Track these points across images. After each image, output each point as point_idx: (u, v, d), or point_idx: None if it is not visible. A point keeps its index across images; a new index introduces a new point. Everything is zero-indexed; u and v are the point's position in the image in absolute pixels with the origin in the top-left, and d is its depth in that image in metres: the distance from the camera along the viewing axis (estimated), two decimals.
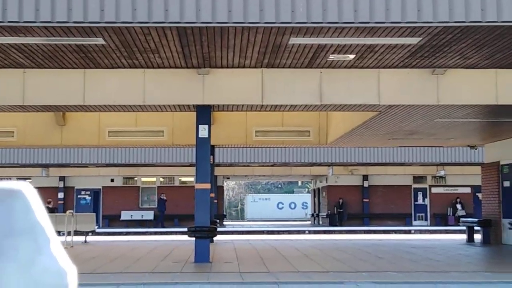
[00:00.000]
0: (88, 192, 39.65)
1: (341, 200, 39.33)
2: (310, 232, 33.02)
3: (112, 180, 39.35)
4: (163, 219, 37.69)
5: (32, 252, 1.60)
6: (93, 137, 18.84)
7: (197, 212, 13.28)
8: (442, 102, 12.64)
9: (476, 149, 22.85)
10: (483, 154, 22.36)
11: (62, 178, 38.96)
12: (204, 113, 13.28)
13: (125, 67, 12.28)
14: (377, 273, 11.31)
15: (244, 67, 12.32)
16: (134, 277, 10.72)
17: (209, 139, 13.29)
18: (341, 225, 37.48)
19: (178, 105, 13.24)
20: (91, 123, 18.70)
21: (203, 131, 13.17)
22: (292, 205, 58.24)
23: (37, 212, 1.65)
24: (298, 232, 33.12)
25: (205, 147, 13.29)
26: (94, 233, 20.92)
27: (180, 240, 20.88)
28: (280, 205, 58.07)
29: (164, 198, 37.84)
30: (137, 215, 39.19)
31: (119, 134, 18.83)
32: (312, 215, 48.11)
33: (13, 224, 1.60)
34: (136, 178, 39.58)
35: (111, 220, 38.92)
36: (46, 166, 33.37)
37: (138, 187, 39.84)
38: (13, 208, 1.60)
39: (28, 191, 1.67)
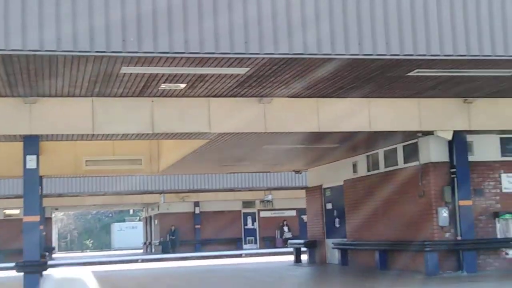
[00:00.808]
0: None
1: (173, 227, 39.34)
2: (143, 260, 32.65)
3: None
4: None
5: None
6: None
7: (26, 246, 12.74)
8: (269, 129, 13.21)
9: (300, 173, 23.99)
10: (307, 178, 23.52)
11: None
12: (31, 143, 12.83)
13: None
14: None
15: (74, 96, 12.11)
16: None
17: (37, 170, 12.85)
18: (174, 252, 37.44)
19: (4, 135, 12.70)
20: None
21: (31, 161, 12.72)
22: None
23: None
24: (131, 261, 32.63)
25: (33, 178, 12.83)
26: None
27: (5, 277, 19.82)
28: None
29: None
30: None
31: None
32: (145, 243, 47.58)
33: None
34: None
35: None
36: None
37: None
38: None
39: (88, 280, 1.61)
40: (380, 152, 17.53)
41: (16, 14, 8.66)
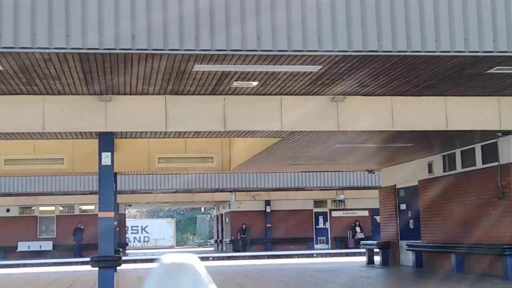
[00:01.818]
0: None
1: (244, 226, 39.48)
2: (213, 258, 32.92)
3: (7, 210, 37.83)
4: (80, 248, 36.22)
5: None
6: None
7: (101, 241, 12.98)
8: (342, 128, 13.01)
9: (373, 173, 23.62)
10: (380, 178, 23.13)
11: None
12: (106, 140, 13.07)
13: (23, 94, 11.92)
14: None
15: (147, 93, 12.25)
16: None
17: (112, 167, 13.08)
18: (244, 251, 37.58)
19: (80, 133, 12.97)
20: None
21: (106, 158, 12.95)
22: None
23: (207, 286, 1.59)
24: (202, 258, 32.95)
25: (108, 175, 13.06)
26: None
27: (81, 271, 20.31)
28: None
29: (82, 227, 36.51)
30: (35, 246, 37.78)
31: (16, 163, 18.19)
32: (216, 241, 47.97)
33: None
34: (33, 208, 38.24)
35: (7, 252, 37.28)
36: None
37: (36, 216, 38.49)
38: (181, 283, 1.55)
39: (197, 264, 1.58)
40: (457, 152, 17.03)
41: (92, 12, 8.78)
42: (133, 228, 59.28)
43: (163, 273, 1.57)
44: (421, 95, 12.78)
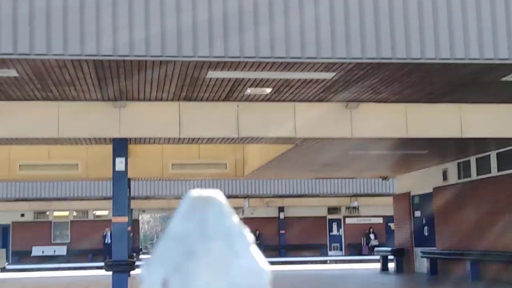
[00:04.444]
0: None
1: (257, 232, 39.47)
2: None
3: (22, 215, 38.04)
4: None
5: (227, 256, 1.59)
6: (3, 170, 18.23)
7: (115, 246, 13.03)
8: (355, 135, 12.98)
9: (387, 180, 23.52)
10: (395, 185, 23.04)
11: None
12: (120, 146, 13.13)
13: (38, 100, 12.01)
14: None
15: (161, 100, 12.29)
16: None
17: (126, 172, 13.13)
18: None
19: (94, 138, 13.04)
20: (1, 156, 18.09)
21: (120, 164, 13.00)
22: None
23: (231, 219, 1.65)
24: None
25: (122, 181, 13.11)
26: (3, 270, 20.11)
27: (95, 276, 20.38)
28: None
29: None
30: (49, 250, 37.95)
31: (31, 168, 18.30)
32: None
33: (207, 230, 1.60)
34: (47, 213, 38.42)
35: (21, 256, 37.49)
36: None
37: (50, 221, 38.67)
38: (207, 215, 1.61)
39: (222, 198, 1.65)
40: (472, 159, 16.93)
41: (106, 19, 8.84)
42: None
43: (189, 206, 1.64)
44: (436, 102, 12.72)
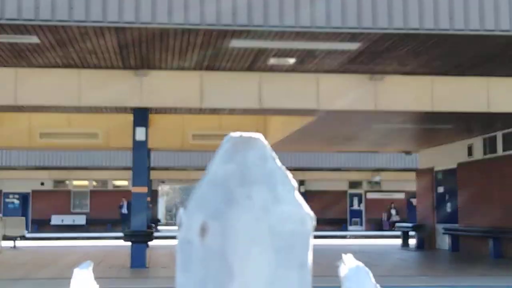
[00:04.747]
0: (17, 196, 38.45)
1: None
2: None
3: (42, 184, 38.31)
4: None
5: (269, 200, 1.53)
6: (23, 138, 18.22)
7: (134, 216, 13.00)
8: (380, 108, 12.75)
9: (410, 154, 23.26)
10: (418, 160, 22.77)
11: None
12: (141, 115, 13.02)
13: (59, 67, 11.91)
14: (319, 278, 11.29)
15: (183, 69, 12.13)
16: (66, 284, 10.38)
17: (146, 142, 13.04)
18: None
19: (115, 107, 12.94)
20: (21, 124, 18.07)
21: (141, 134, 12.91)
22: None
23: (274, 163, 1.58)
24: None
25: (142, 150, 13.03)
26: (23, 238, 20.25)
27: (113, 245, 20.46)
28: None
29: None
30: (68, 219, 38.26)
31: (52, 136, 18.27)
32: None
33: (248, 174, 1.55)
34: (67, 182, 38.65)
35: (41, 225, 37.78)
36: None
37: (70, 190, 38.92)
38: (248, 158, 1.55)
39: (264, 140, 1.59)
40: (498, 135, 16.62)
41: None
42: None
43: (230, 148, 1.60)
44: (463, 75, 12.43)
